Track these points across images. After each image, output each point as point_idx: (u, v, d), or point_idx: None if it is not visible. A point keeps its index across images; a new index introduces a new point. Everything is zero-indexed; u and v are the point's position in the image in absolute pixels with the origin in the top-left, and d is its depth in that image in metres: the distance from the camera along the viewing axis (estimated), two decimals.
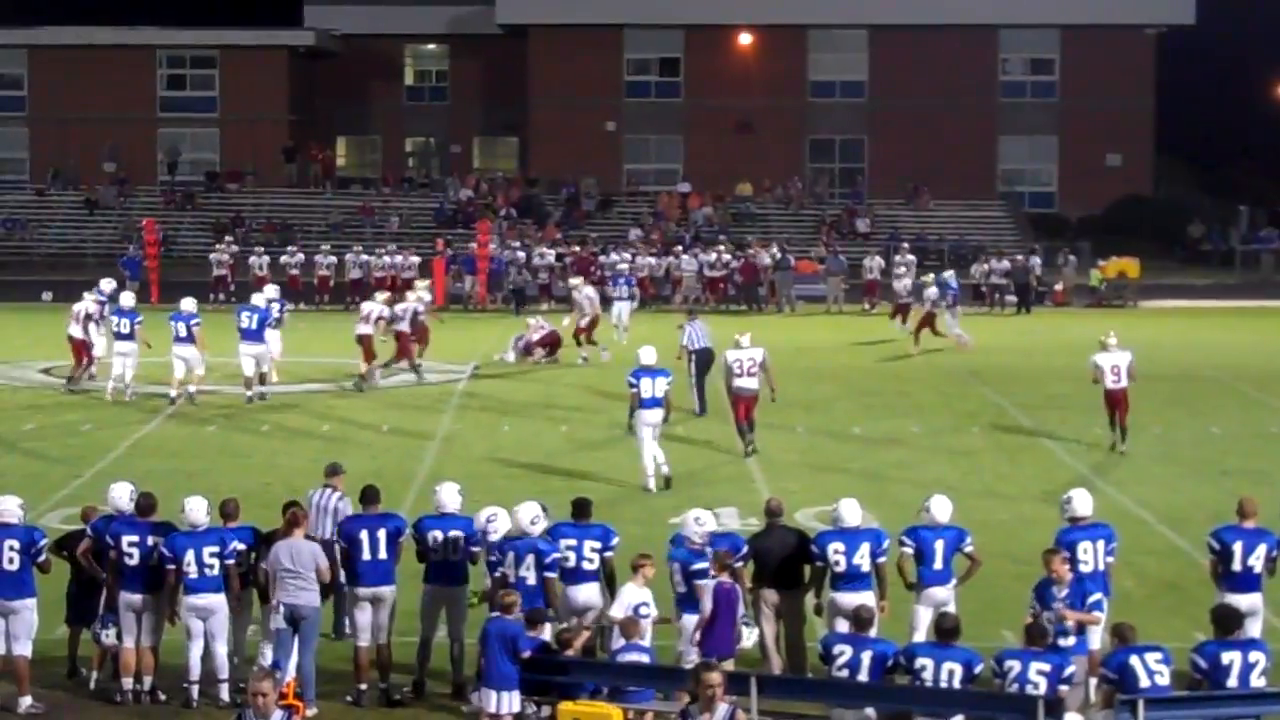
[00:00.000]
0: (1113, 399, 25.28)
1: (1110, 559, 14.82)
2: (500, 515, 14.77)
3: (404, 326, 31.78)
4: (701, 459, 25.16)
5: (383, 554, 14.82)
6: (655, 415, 22.69)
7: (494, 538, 14.60)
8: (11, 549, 14.40)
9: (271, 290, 32.73)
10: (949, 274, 41.31)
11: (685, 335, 29.08)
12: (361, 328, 31.59)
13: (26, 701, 14.40)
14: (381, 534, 14.86)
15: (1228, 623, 12.65)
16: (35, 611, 14.57)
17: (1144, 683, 12.19)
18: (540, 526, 14.64)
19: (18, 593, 14.44)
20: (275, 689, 11.12)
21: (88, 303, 30.86)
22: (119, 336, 29.44)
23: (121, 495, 15.09)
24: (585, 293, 36.13)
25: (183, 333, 28.82)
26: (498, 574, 14.47)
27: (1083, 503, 14.96)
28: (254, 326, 29.52)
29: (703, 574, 14.26)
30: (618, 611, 13.95)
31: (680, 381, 26.29)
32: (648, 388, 22.69)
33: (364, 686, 14.73)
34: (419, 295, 34.25)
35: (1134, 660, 12.28)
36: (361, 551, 14.80)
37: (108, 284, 32.76)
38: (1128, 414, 25.39)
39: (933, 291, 37.53)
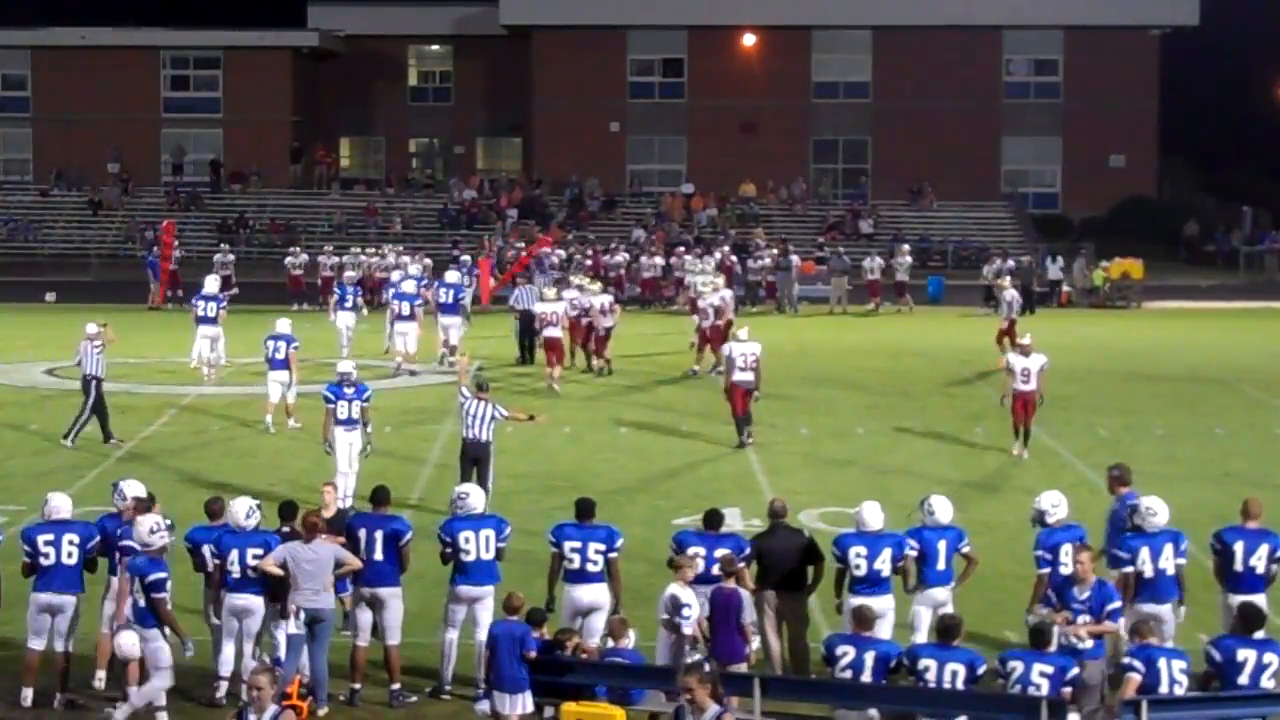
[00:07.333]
0: (1022, 399, 25.39)
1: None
2: None
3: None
4: (704, 459, 25.17)
5: (379, 554, 14.74)
6: (353, 435, 21.40)
7: None
8: (71, 544, 14.34)
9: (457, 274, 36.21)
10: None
11: (514, 295, 34.27)
12: (703, 321, 33.12)
13: (60, 697, 14.40)
14: (379, 535, 14.76)
15: (1251, 621, 12.68)
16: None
17: (1163, 688, 12.26)
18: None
19: (71, 588, 14.39)
20: (272, 684, 11.10)
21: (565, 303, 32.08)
22: None
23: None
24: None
25: None
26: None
27: (1060, 506, 14.99)
28: (450, 301, 33.19)
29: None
30: (662, 614, 14.04)
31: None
32: (344, 409, 21.33)
33: (358, 686, 14.69)
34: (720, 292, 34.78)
35: (1161, 661, 12.34)
36: (359, 549, 14.74)
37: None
38: (1033, 417, 25.56)
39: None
